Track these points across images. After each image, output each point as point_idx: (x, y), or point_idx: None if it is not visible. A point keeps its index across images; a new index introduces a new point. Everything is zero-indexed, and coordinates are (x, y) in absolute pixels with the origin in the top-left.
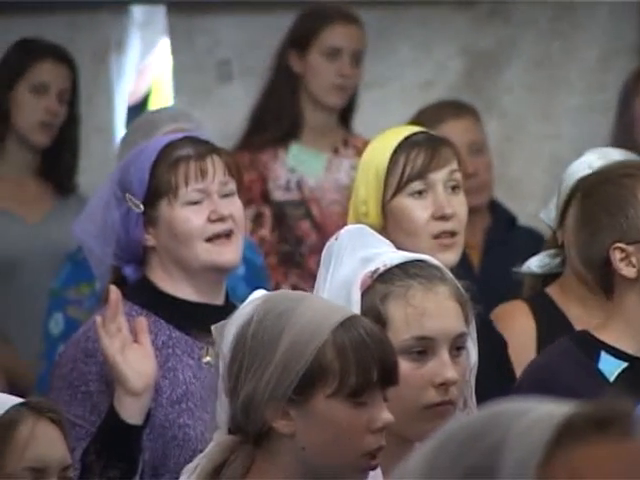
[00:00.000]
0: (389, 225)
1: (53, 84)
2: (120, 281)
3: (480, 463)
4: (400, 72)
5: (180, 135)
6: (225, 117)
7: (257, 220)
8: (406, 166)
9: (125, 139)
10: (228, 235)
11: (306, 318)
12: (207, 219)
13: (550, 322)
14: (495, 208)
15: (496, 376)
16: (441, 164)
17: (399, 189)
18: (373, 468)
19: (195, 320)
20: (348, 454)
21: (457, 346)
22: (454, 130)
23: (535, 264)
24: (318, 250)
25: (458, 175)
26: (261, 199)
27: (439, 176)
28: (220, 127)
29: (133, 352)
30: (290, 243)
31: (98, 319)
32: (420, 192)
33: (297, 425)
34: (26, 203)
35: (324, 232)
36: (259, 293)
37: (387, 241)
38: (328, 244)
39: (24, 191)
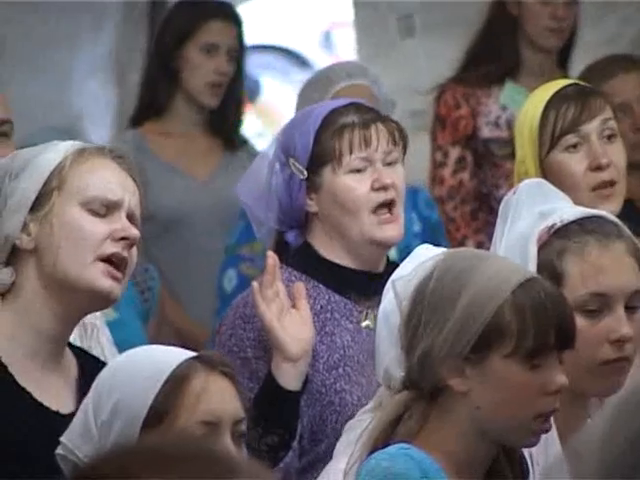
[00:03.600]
0: (548, 181)
1: (222, 44)
2: (282, 246)
3: None
4: (582, 28)
5: (345, 101)
6: (407, 72)
7: (459, 163)
8: (557, 121)
9: (302, 94)
10: (391, 207)
11: (487, 277)
12: (370, 187)
13: None
14: None
15: None
16: (592, 114)
17: (553, 145)
18: (546, 431)
19: (354, 285)
20: (521, 415)
21: (633, 303)
22: (625, 84)
23: None
24: None
25: (612, 123)
26: (466, 141)
27: (591, 127)
28: (401, 82)
29: (291, 318)
30: (488, 185)
31: (255, 284)
32: (574, 145)
33: (472, 384)
34: (195, 159)
35: None
36: (423, 249)
37: (565, 196)
38: (506, 198)
39: (193, 147)
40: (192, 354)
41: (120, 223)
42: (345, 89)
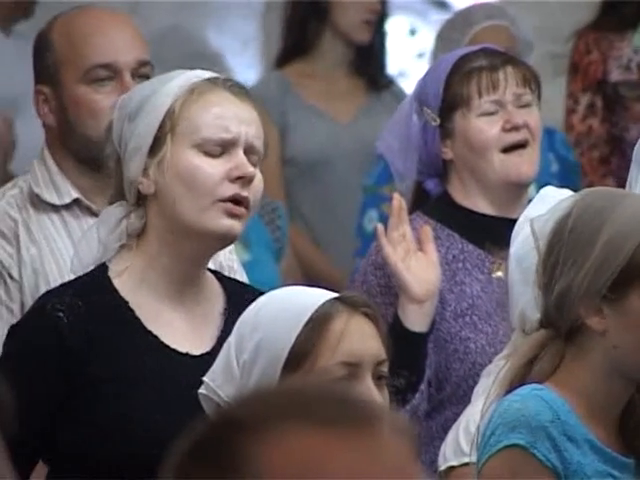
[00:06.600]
0: None
1: None
2: (421, 195)
3: None
4: None
5: (476, 47)
6: (546, 14)
7: (589, 109)
8: None
9: (440, 35)
10: (524, 145)
11: (626, 216)
12: (501, 129)
13: None
14: None
15: None
16: None
17: None
18: None
19: (490, 234)
20: None
21: None
22: None
23: None
24: None
25: None
26: (597, 86)
27: None
28: (542, 24)
29: (417, 261)
30: (618, 128)
31: (379, 227)
32: None
33: (610, 323)
34: (337, 101)
35: None
36: (550, 190)
37: None
38: None
39: (336, 89)
40: (334, 295)
41: (235, 161)
42: (484, 30)
